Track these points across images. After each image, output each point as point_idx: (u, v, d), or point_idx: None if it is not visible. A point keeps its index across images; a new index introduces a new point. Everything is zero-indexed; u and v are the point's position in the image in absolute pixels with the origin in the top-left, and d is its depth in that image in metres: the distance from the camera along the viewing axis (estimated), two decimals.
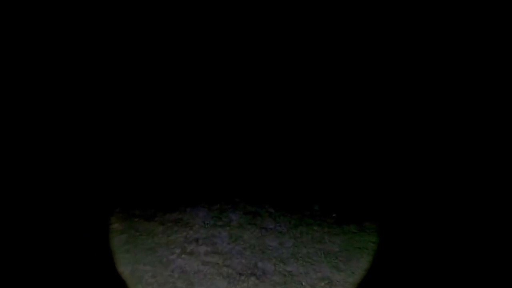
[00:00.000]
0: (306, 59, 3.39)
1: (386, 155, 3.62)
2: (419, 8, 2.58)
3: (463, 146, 2.93)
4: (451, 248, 2.42)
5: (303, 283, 2.31)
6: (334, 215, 3.29)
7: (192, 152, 4.30)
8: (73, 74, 3.16)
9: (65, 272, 2.38)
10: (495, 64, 2.39)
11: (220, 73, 3.49)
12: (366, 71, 3.26)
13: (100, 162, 3.77)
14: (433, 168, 3.25)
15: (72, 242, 2.68)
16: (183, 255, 2.57)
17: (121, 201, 3.38)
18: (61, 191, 3.37)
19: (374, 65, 3.20)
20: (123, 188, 3.60)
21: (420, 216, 2.95)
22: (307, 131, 4.02)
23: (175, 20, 2.96)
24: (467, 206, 2.80)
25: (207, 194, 3.64)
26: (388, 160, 3.60)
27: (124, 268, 2.45)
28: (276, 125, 4.06)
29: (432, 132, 3.24)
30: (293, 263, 2.47)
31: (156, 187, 3.67)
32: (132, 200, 3.39)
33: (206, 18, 2.92)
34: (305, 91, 3.72)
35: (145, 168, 3.99)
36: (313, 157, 4.11)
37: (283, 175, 4.00)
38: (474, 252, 2.28)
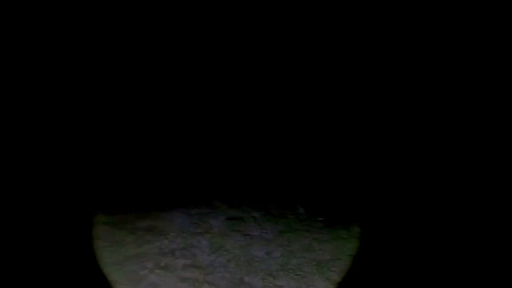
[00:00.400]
0: (290, 60, 3.16)
1: (369, 153, 3.48)
2: (419, 8, 2.54)
3: (452, 148, 2.88)
4: (439, 249, 2.34)
5: None
6: (321, 218, 3.09)
7: (166, 150, 3.92)
8: (55, 72, 2.78)
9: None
10: (495, 64, 2.35)
11: (201, 72, 3.20)
12: (352, 72, 3.12)
13: (67, 161, 3.31)
14: (420, 168, 3.14)
15: (35, 253, 2.26)
16: (156, 270, 2.24)
17: (85, 206, 2.96)
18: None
19: (359, 66, 3.05)
20: (88, 191, 3.17)
21: (407, 217, 2.81)
22: (289, 130, 3.78)
23: (171, 19, 2.81)
24: (456, 205, 2.72)
25: (184, 197, 3.30)
26: (372, 159, 3.45)
27: None
28: (258, 123, 3.79)
29: (419, 132, 3.13)
30: (283, 276, 2.21)
31: (126, 189, 3.27)
32: (97, 204, 2.98)
33: (204, 18, 2.81)
34: (287, 90, 3.49)
35: (113, 168, 3.57)
36: (295, 157, 3.88)
37: (265, 175, 3.74)
38: (463, 251, 2.22)
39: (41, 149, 3.20)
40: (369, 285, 2.14)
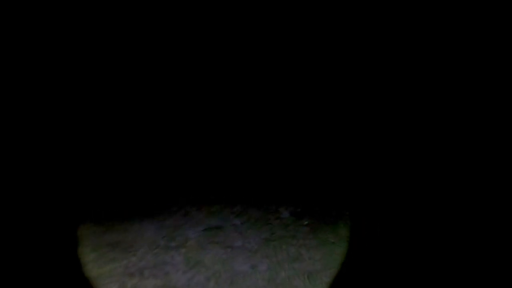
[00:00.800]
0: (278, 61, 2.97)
1: (355, 146, 3.30)
2: (419, 8, 2.49)
3: (446, 146, 2.77)
4: (436, 250, 2.20)
5: None
6: (306, 222, 2.85)
7: (134, 149, 3.54)
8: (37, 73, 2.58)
9: None
10: (495, 64, 2.32)
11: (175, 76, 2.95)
12: (340, 72, 3.01)
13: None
14: (411, 162, 3.00)
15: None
16: None
17: (42, 217, 2.53)
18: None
19: (346, 66, 2.96)
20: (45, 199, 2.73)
21: (401, 215, 2.64)
22: (267, 126, 3.54)
23: (170, 19, 2.70)
24: (451, 205, 2.61)
25: (155, 206, 2.95)
26: (358, 152, 3.28)
27: None
28: (235, 120, 3.51)
29: (411, 128, 3.00)
30: None
31: (86, 197, 2.87)
32: (55, 217, 2.56)
33: (202, 18, 2.71)
34: (270, 89, 3.26)
35: (70, 170, 3.14)
36: (274, 153, 3.63)
37: (243, 175, 3.46)
38: (460, 253, 2.11)
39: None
40: None
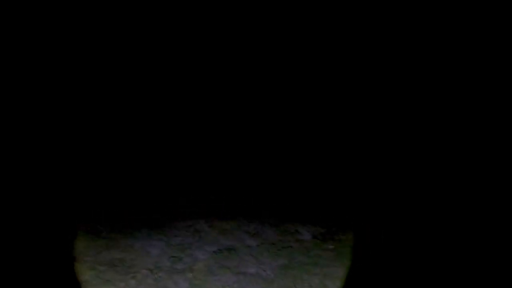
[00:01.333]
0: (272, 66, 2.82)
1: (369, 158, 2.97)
2: (419, 8, 2.43)
3: (447, 151, 2.60)
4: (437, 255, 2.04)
5: None
6: (331, 247, 2.52)
7: (143, 158, 3.33)
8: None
9: None
10: (495, 64, 2.27)
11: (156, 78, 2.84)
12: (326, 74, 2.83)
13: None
14: (417, 171, 2.66)
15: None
16: None
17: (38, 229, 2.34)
18: None
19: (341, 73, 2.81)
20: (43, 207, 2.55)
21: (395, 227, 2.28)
22: (277, 139, 3.28)
23: (169, 18, 2.67)
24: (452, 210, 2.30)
25: (163, 219, 2.71)
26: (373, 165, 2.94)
27: None
28: (253, 129, 3.27)
29: (414, 135, 2.76)
30: None
31: (88, 207, 2.66)
32: (53, 228, 2.36)
33: (202, 18, 2.67)
34: (260, 91, 3.04)
35: (72, 177, 2.97)
36: (290, 165, 3.33)
37: (262, 190, 3.17)
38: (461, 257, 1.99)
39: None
40: None
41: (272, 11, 2.66)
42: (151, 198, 3.04)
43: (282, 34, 2.74)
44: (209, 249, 2.29)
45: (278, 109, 2.97)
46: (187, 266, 2.06)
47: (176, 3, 2.57)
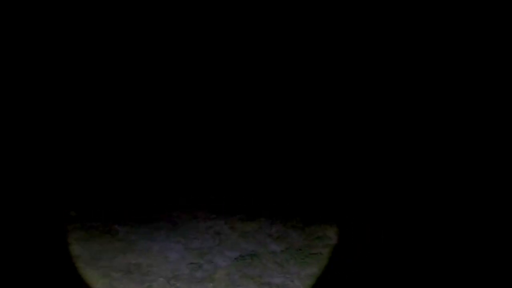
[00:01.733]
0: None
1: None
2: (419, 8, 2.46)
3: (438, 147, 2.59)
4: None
5: None
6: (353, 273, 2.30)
7: (159, 157, 3.20)
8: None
9: None
10: (495, 64, 2.28)
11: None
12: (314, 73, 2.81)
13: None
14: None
15: None
16: None
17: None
18: None
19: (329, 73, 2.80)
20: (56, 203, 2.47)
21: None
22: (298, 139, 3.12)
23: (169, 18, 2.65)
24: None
25: (182, 219, 2.56)
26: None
27: None
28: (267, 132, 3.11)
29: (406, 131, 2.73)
30: None
31: (103, 207, 2.55)
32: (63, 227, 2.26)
33: (201, 18, 2.66)
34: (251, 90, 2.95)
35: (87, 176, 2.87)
36: (314, 161, 3.10)
37: (284, 188, 2.96)
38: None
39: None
40: None
41: (271, 11, 2.61)
42: (169, 194, 2.91)
43: (280, 34, 2.69)
44: (231, 254, 2.12)
45: (280, 108, 2.92)
46: (207, 274, 1.90)
47: (176, 3, 2.55)
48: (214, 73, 2.84)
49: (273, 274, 1.95)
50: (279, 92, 2.88)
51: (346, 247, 2.34)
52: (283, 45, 2.71)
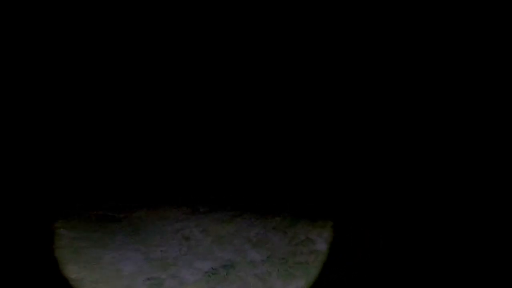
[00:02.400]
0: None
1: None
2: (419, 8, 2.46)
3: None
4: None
5: None
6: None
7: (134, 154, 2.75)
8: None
9: None
10: (495, 64, 2.27)
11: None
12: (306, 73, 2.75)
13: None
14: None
15: None
16: None
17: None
18: None
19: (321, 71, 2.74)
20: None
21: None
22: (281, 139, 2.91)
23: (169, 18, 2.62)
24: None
25: (143, 221, 2.14)
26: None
27: None
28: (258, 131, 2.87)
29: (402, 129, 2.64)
30: None
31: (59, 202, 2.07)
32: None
33: (201, 18, 2.63)
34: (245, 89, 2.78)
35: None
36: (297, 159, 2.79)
37: (263, 187, 2.62)
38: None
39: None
40: None
41: (270, 11, 2.54)
42: (131, 190, 2.48)
43: (278, 34, 2.62)
44: (201, 266, 1.74)
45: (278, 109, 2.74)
46: None
47: (175, 3, 2.51)
48: (214, 74, 2.72)
49: None
50: (266, 91, 2.71)
51: (335, 255, 2.03)
52: (281, 44, 2.65)
